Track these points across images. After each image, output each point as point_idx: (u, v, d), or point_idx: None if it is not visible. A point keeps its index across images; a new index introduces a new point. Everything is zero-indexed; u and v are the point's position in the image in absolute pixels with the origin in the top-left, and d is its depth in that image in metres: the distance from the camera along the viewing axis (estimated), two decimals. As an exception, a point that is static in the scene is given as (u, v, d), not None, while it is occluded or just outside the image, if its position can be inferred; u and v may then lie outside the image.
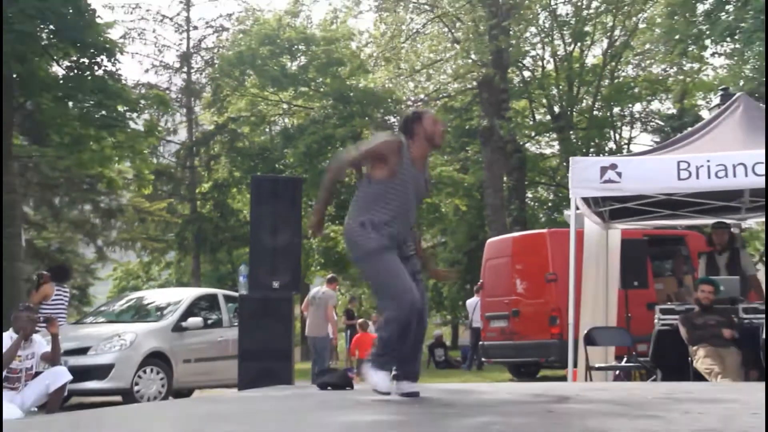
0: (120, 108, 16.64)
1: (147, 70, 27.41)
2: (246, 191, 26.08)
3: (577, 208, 8.12)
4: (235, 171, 28.16)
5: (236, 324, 9.63)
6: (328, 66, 26.96)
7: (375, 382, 4.51)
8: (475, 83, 24.55)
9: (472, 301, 17.15)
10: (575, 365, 8.02)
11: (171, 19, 29.26)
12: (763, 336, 7.46)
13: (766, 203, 8.06)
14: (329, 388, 5.35)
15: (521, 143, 25.66)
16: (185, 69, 29.36)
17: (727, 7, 18.57)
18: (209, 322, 11.91)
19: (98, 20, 16.09)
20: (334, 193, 4.83)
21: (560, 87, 25.82)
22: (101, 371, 10.01)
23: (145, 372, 10.44)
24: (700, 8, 20.00)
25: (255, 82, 27.61)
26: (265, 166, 26.93)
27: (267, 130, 29.84)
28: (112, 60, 16.15)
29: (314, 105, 27.45)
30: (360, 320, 16.09)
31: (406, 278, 4.50)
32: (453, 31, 24.66)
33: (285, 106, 28.64)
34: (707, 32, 19.34)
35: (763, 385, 5.88)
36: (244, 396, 5.55)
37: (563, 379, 9.41)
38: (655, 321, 8.44)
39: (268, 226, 7.57)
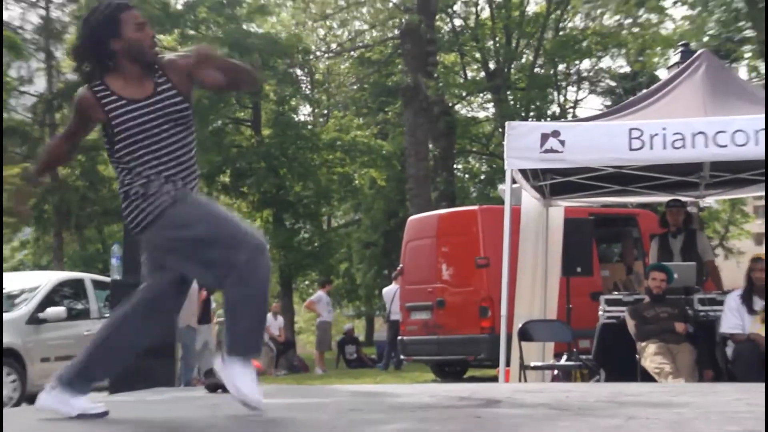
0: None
1: (-6, 4, 26.54)
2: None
3: (514, 182, 8.23)
4: (107, 130, 27.57)
5: (107, 315, 9.48)
6: (222, 6, 26.58)
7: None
8: (397, 32, 24.60)
9: (390, 290, 17.28)
10: (508, 364, 8.17)
11: (25, -60, 28.33)
12: (721, 330, 7.74)
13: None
14: (220, 390, 5.32)
15: (450, 104, 25.88)
16: (42, 3, 28.47)
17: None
18: (74, 312, 11.73)
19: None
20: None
21: (497, 39, 26.09)
22: (-64, 372, 9.76)
23: (-8, 373, 10.21)
24: (660, -51, 20.43)
25: (131, 22, 26.99)
26: (144, 125, 26.42)
27: (146, 81, 29.24)
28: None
29: (204, 52, 27.00)
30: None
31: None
32: (372, -32, 24.62)
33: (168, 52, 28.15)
34: (668, -23, 19.79)
35: (718, 386, 6.12)
36: (114, 401, 5.48)
37: (494, 379, 9.57)
38: (600, 313, 8.67)
39: (146, 197, 7.46)
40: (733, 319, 7.63)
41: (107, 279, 11.31)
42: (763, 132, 7.25)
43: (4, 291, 11.91)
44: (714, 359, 7.84)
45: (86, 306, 12.01)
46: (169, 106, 3.98)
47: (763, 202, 36.43)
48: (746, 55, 22.03)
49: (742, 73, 21.80)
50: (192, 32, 27.08)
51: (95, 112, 3.97)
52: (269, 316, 19.70)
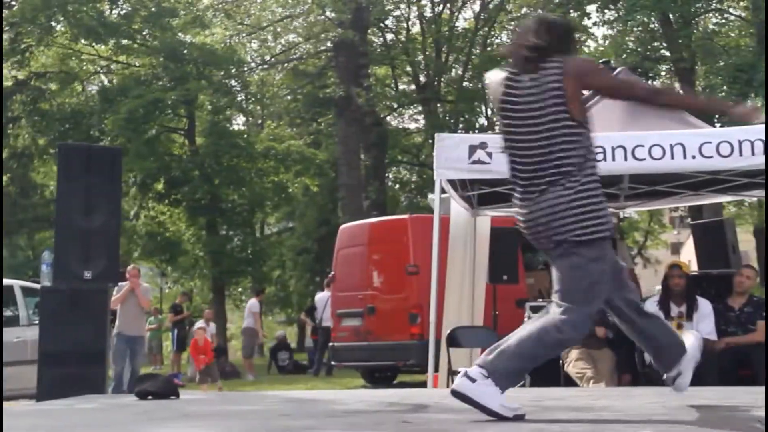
0: None
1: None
2: (52, 162, 25.14)
3: (443, 192, 8.26)
4: (39, 138, 27.08)
5: (37, 322, 9.28)
6: (158, 17, 26.28)
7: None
8: (330, 44, 24.60)
9: (322, 296, 17.23)
10: (436, 369, 8.18)
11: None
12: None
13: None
14: (150, 397, 5.25)
15: (382, 115, 25.96)
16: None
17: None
18: (3, 319, 11.46)
19: None
20: None
21: (427, 53, 26.26)
22: None
23: None
24: (582, -31, 20.82)
25: (66, 31, 26.57)
26: (78, 133, 26.00)
27: (80, 89, 28.82)
28: None
29: (140, 62, 26.72)
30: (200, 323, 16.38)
31: None
32: (306, -18, 24.60)
33: (103, 62, 27.73)
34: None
35: (636, 390, 6.20)
36: (43, 409, 5.36)
37: (423, 385, 9.60)
38: (525, 319, 8.74)
39: (79, 204, 7.34)
40: (651, 325, 7.74)
41: (37, 286, 11.07)
42: (678, 146, 7.41)
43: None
44: (632, 364, 7.95)
45: (15, 313, 11.77)
46: None
47: (677, 214, 37.23)
48: (662, 73, 22.54)
49: (660, 89, 22.23)
50: (127, 42, 26.74)
51: None
52: (201, 321, 19.50)
